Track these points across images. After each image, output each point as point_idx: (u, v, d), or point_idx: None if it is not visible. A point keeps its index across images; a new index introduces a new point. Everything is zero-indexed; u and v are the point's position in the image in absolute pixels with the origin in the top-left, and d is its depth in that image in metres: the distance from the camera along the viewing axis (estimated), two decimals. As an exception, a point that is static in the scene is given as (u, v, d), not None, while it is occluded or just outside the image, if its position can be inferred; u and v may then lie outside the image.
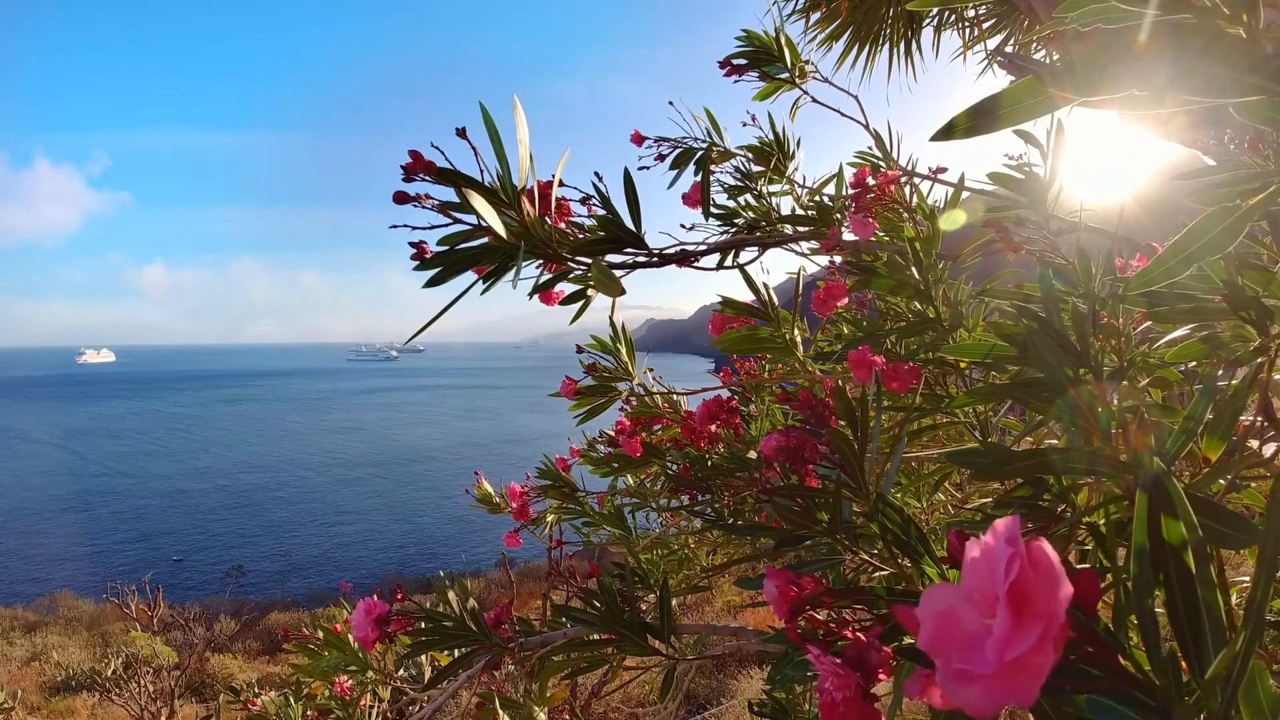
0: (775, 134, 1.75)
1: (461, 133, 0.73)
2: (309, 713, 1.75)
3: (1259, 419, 0.65)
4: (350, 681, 1.68)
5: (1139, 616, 0.35)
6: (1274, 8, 0.49)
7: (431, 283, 0.76)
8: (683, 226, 1.42)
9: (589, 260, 0.84)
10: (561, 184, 0.84)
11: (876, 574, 0.78)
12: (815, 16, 3.39)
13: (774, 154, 1.74)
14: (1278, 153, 0.71)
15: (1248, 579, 1.16)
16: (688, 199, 1.61)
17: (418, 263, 0.75)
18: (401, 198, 0.72)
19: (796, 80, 1.78)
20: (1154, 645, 0.34)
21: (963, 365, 1.20)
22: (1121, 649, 0.34)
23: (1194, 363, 0.78)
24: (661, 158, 1.71)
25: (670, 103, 1.72)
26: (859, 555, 0.76)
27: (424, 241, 0.75)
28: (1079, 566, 0.34)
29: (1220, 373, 0.71)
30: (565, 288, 0.93)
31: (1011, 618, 0.28)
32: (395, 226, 0.74)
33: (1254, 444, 0.66)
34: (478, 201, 0.70)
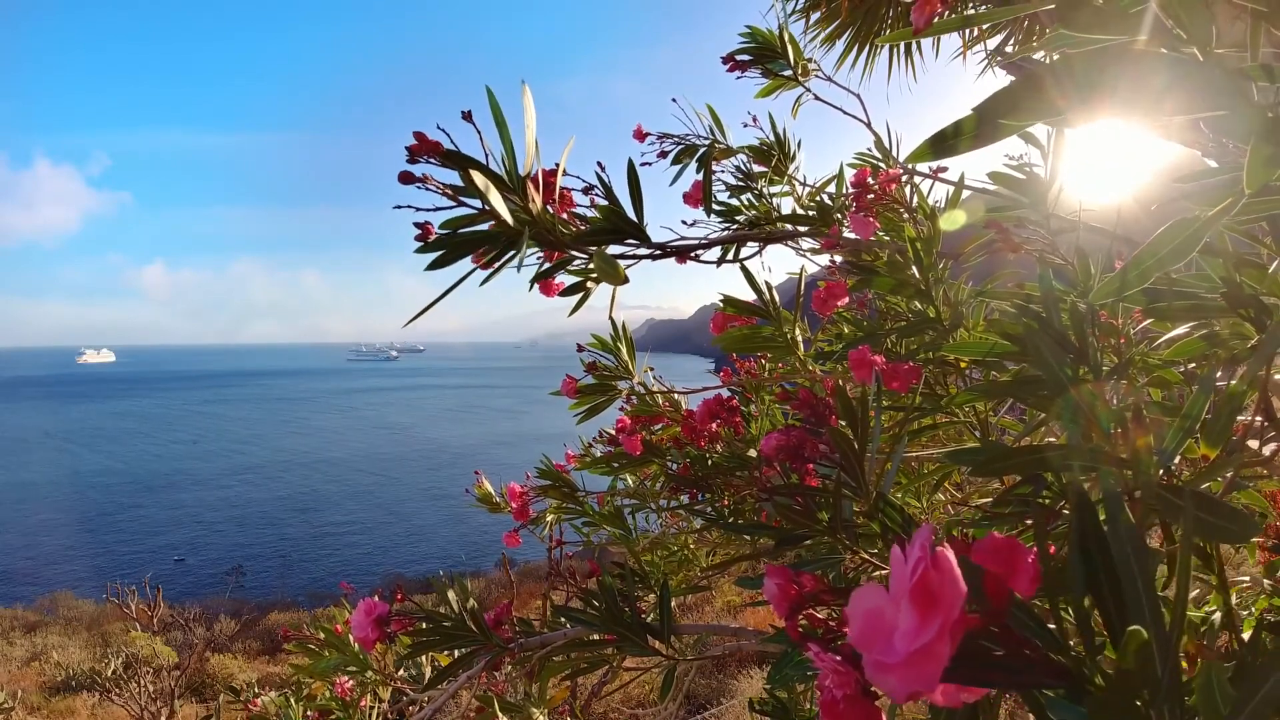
0: (776, 134, 1.75)
1: (467, 116, 0.73)
2: (309, 713, 1.75)
3: (1258, 418, 0.65)
4: (350, 682, 1.68)
5: (1074, 609, 0.38)
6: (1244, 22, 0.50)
7: (434, 265, 0.76)
8: (684, 223, 1.42)
9: (590, 251, 0.84)
10: (565, 173, 0.84)
11: (877, 573, 0.78)
12: (815, 17, 3.39)
13: (775, 154, 1.75)
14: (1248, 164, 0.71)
15: (1248, 579, 1.17)
16: (689, 197, 1.61)
17: (421, 244, 0.74)
18: (407, 177, 0.72)
19: (799, 78, 1.78)
20: (1088, 635, 0.37)
21: (963, 364, 1.20)
22: (1054, 643, 0.37)
23: (1193, 363, 0.78)
24: (664, 154, 1.71)
25: (674, 99, 1.72)
26: (859, 554, 0.76)
27: (429, 223, 0.75)
28: (983, 566, 0.37)
29: (1220, 372, 0.71)
30: (565, 279, 0.93)
31: (915, 613, 0.31)
32: (399, 207, 0.74)
33: (1254, 444, 0.66)
34: (483, 184, 0.70)
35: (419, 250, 0.74)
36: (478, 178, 0.70)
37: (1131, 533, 0.37)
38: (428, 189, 0.72)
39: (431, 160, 0.72)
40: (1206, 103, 0.41)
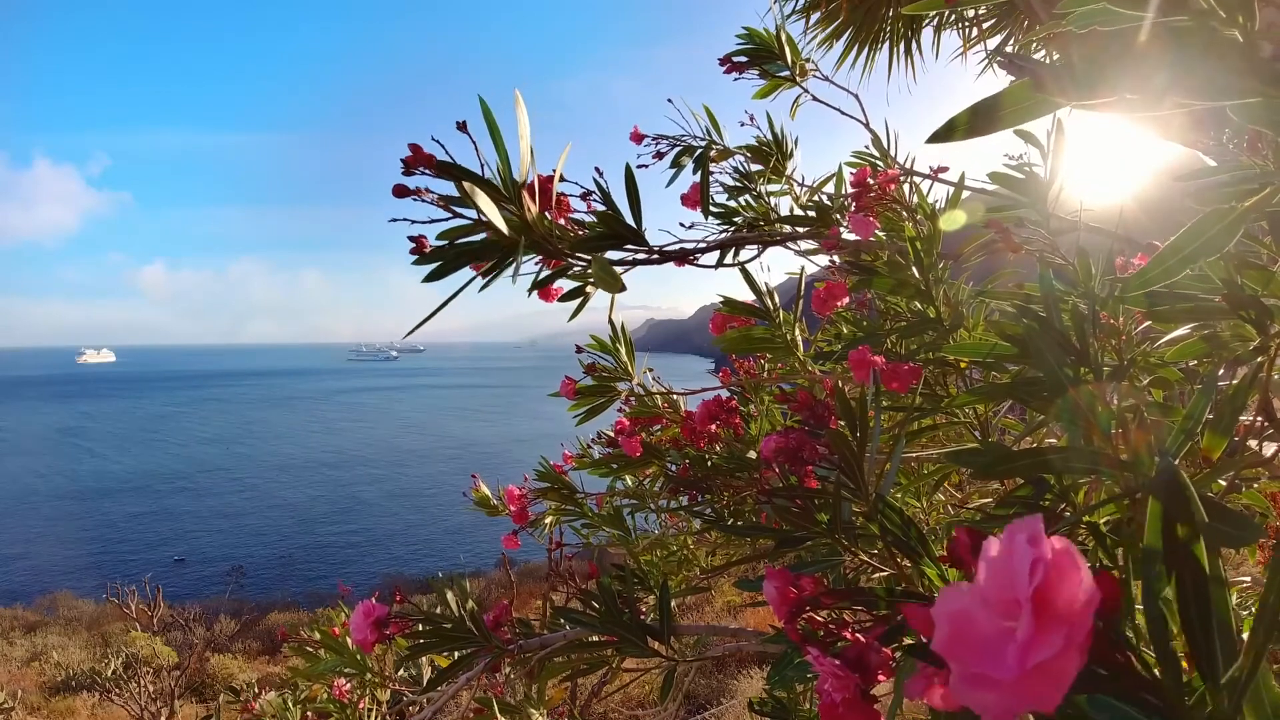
0: (774, 133, 1.75)
1: (462, 126, 0.73)
2: (308, 715, 1.74)
3: (1259, 419, 0.65)
4: (349, 684, 1.67)
5: (1148, 616, 0.34)
6: (1274, 6, 0.49)
7: (431, 277, 0.76)
8: (682, 225, 1.42)
9: (588, 257, 0.83)
10: (563, 179, 0.83)
11: (876, 575, 0.77)
12: (815, 17, 3.39)
13: (772, 154, 1.74)
14: (1276, 153, 0.70)
15: (1248, 579, 1.16)
16: (687, 199, 1.60)
17: (416, 257, 0.74)
18: (401, 191, 0.72)
19: (797, 78, 1.78)
20: (1164, 645, 0.34)
21: (963, 365, 1.20)
22: (1134, 651, 0.34)
23: (1194, 362, 0.78)
24: (660, 155, 1.71)
25: (669, 100, 1.71)
26: (859, 556, 0.76)
27: (423, 236, 0.75)
28: (1096, 569, 0.34)
29: (1221, 372, 0.71)
30: (564, 284, 0.92)
31: (1035, 622, 0.27)
32: (394, 220, 0.74)
33: (1254, 444, 0.66)
34: (479, 196, 0.70)
35: (415, 262, 0.74)
36: (473, 190, 0.69)
37: (1213, 541, 0.34)
38: (422, 200, 0.72)
39: (426, 172, 0.71)
40: (1235, 91, 0.39)
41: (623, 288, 0.81)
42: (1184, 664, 0.34)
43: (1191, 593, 0.34)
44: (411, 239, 0.73)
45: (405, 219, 0.73)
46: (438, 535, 27.14)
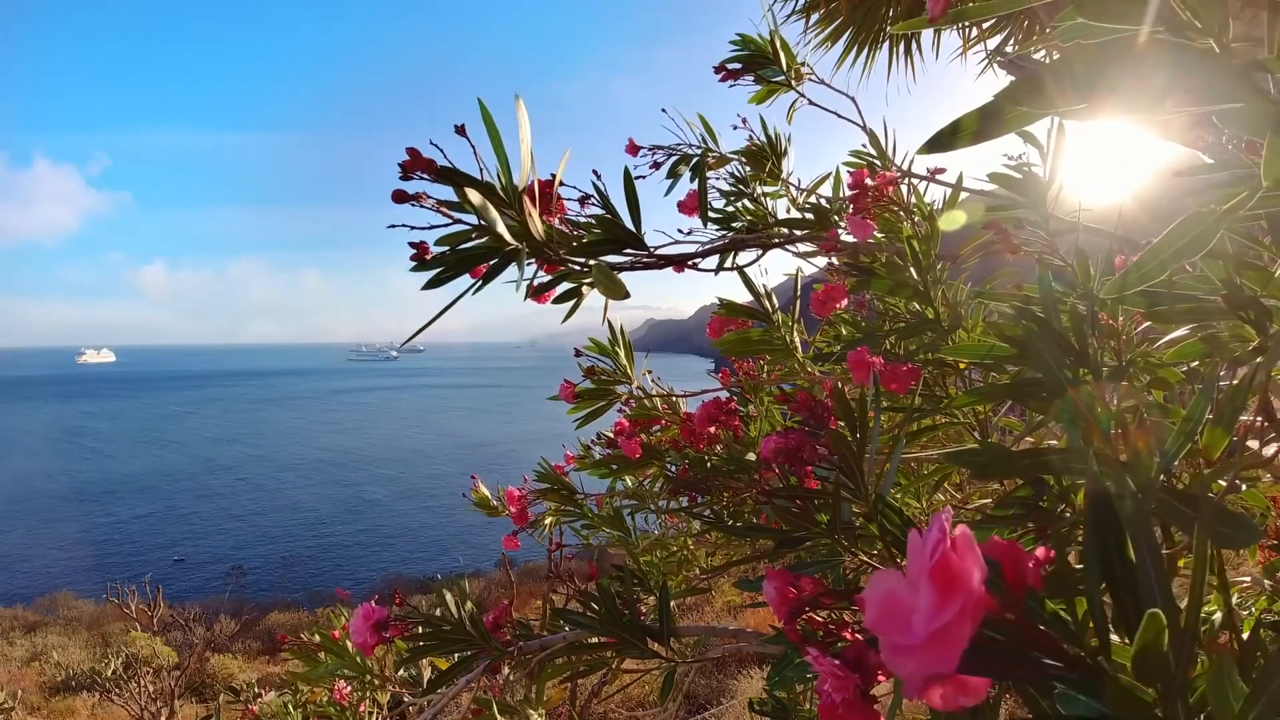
0: (768, 136, 1.74)
1: (461, 130, 0.72)
2: (309, 718, 1.74)
3: (1258, 419, 0.65)
4: (348, 687, 1.67)
5: (1089, 602, 0.38)
6: (1244, 21, 0.49)
7: (431, 284, 0.76)
8: (680, 231, 1.42)
9: (585, 261, 0.83)
10: (562, 184, 0.83)
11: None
12: (815, 17, 3.39)
13: (767, 157, 1.74)
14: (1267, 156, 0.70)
15: (1248, 579, 1.16)
16: (684, 206, 1.60)
17: (417, 264, 0.74)
18: (400, 197, 0.71)
19: (792, 83, 1.78)
20: (1102, 627, 0.37)
21: (962, 366, 1.20)
22: (1068, 634, 0.37)
23: (1194, 362, 0.78)
24: (656, 166, 1.71)
25: (663, 110, 1.72)
26: (858, 556, 0.76)
27: (424, 242, 0.74)
28: (1000, 545, 0.37)
29: (1222, 371, 0.71)
30: (562, 285, 0.92)
31: (934, 593, 0.31)
32: (393, 226, 0.73)
33: (1253, 444, 0.66)
34: (480, 202, 0.70)
35: (414, 269, 0.73)
36: (473, 195, 0.69)
37: (1148, 529, 0.37)
38: (422, 206, 0.72)
39: (425, 177, 0.71)
40: (1218, 96, 0.40)
41: (626, 295, 0.81)
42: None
43: (1119, 563, 0.37)
44: (413, 245, 0.73)
45: (404, 225, 0.73)
46: (443, 537, 27.08)
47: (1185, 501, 0.49)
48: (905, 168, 1.53)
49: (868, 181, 1.16)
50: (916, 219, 1.14)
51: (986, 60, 3.44)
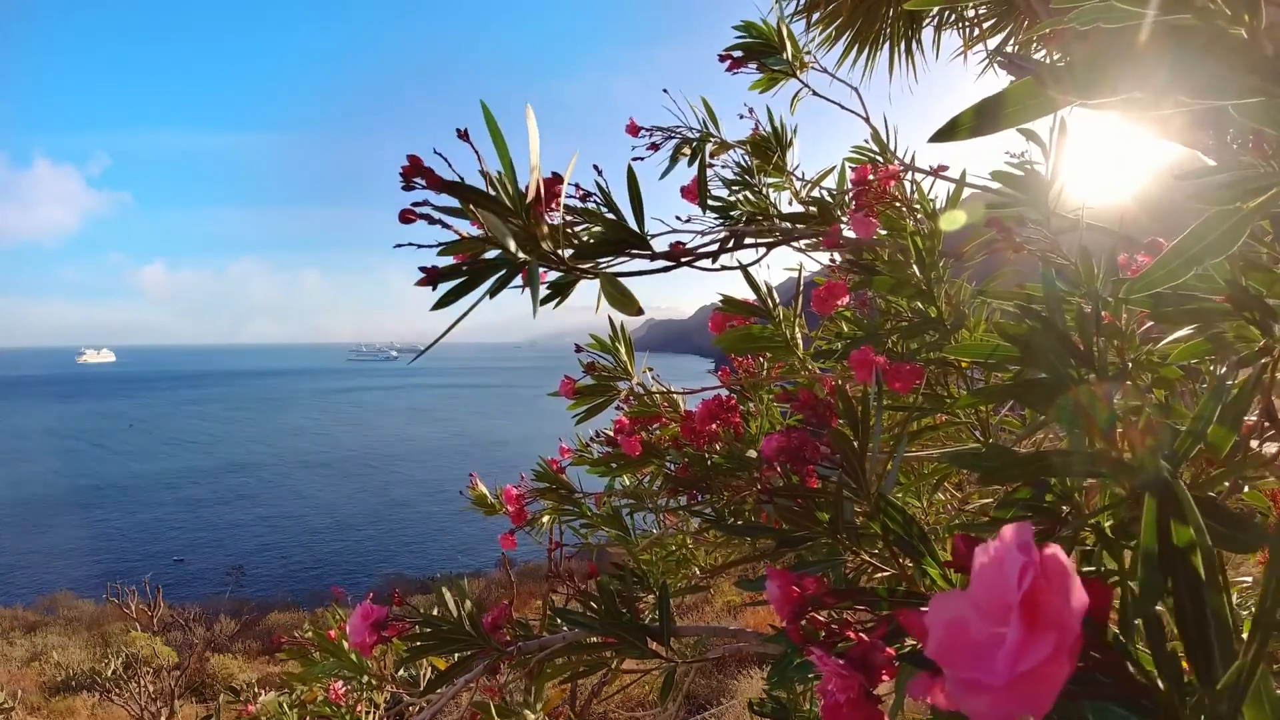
0: (773, 126, 1.73)
1: (463, 135, 0.71)
2: (305, 718, 1.74)
3: (1262, 420, 0.64)
4: (345, 688, 1.67)
5: (1145, 621, 0.34)
6: (1276, 5, 0.49)
7: (441, 304, 0.73)
8: (678, 218, 1.40)
9: (592, 269, 0.82)
10: (567, 183, 0.82)
11: (878, 574, 0.77)
12: (815, 17, 3.38)
13: (773, 148, 1.73)
14: (1279, 154, 0.70)
15: (1249, 579, 1.16)
16: (687, 191, 1.59)
17: (429, 286, 0.71)
18: (407, 218, 0.68)
19: (796, 72, 1.77)
20: (1160, 650, 0.34)
21: (964, 365, 1.20)
22: (1129, 655, 0.34)
23: (1196, 361, 0.77)
24: (655, 147, 1.69)
25: (664, 90, 1.69)
26: (860, 556, 0.75)
27: (435, 268, 0.72)
28: (1086, 572, 0.34)
29: (1224, 370, 0.70)
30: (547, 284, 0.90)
31: (1024, 628, 0.27)
32: (400, 245, 0.70)
33: (1255, 444, 0.66)
34: (489, 219, 0.68)
35: (419, 283, 0.71)
36: (482, 214, 0.68)
37: (1209, 545, 0.34)
38: (430, 223, 0.69)
39: (422, 184, 0.69)
40: (1238, 88, 0.39)
41: (639, 310, 0.78)
42: (1183, 665, 0.34)
43: (1187, 595, 0.34)
44: (423, 270, 0.71)
45: (411, 244, 0.70)
46: (444, 537, 27.03)
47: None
48: (908, 163, 1.52)
49: (871, 177, 1.16)
50: (919, 216, 1.14)
51: (987, 60, 3.43)
